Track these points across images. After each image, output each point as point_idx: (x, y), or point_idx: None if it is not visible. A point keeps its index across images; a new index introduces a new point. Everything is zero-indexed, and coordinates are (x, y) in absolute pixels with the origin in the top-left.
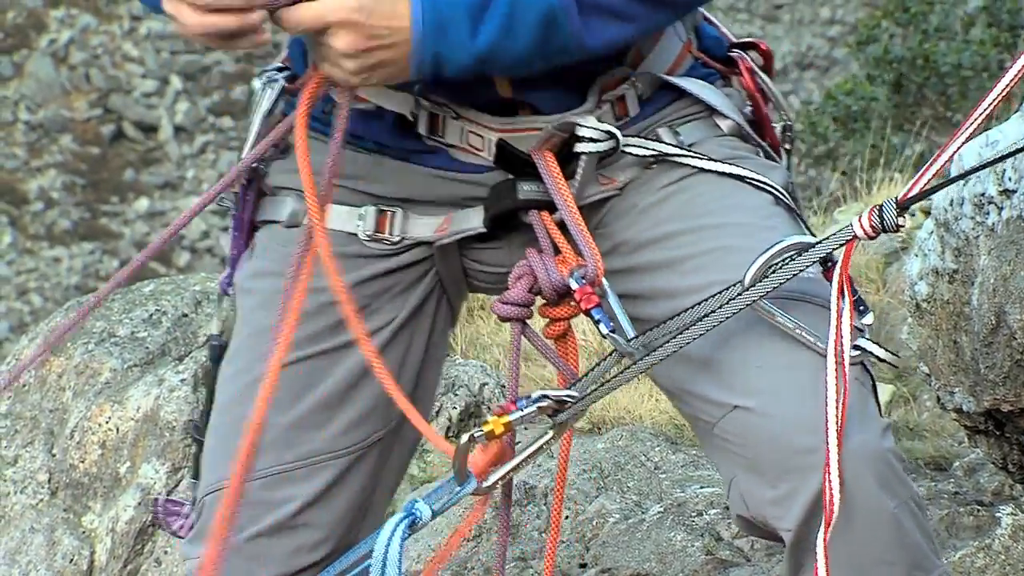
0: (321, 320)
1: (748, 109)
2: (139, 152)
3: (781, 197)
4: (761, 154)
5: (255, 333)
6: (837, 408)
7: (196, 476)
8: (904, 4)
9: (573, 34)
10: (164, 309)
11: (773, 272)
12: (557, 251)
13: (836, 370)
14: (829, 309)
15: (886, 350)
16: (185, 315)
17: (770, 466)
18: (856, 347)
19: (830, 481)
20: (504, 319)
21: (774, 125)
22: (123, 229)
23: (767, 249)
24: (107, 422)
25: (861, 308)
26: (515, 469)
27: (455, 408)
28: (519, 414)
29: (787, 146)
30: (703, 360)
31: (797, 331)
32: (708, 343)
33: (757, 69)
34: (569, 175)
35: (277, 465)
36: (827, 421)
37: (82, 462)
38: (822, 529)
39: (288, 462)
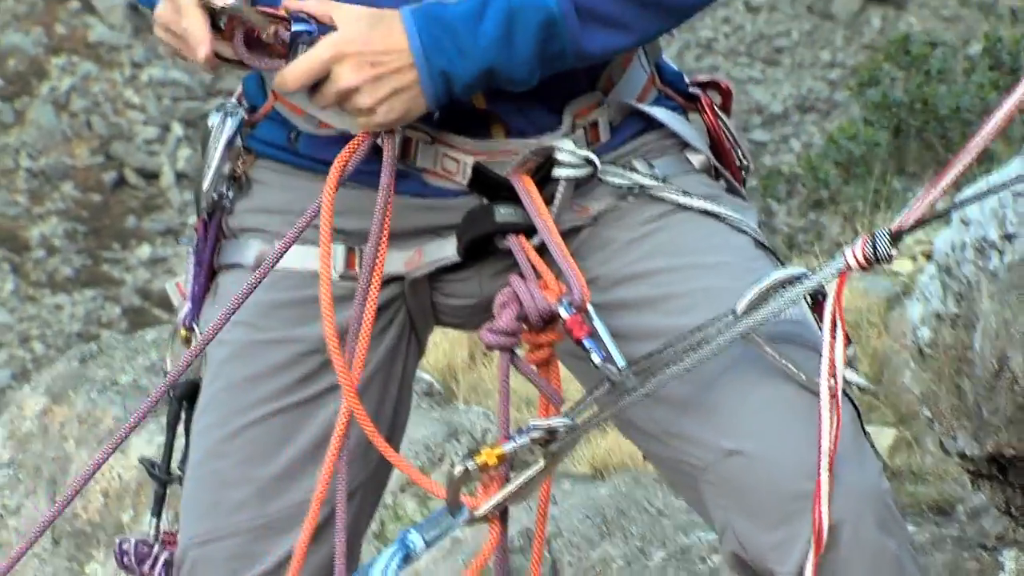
0: (296, 371)
1: (708, 145)
2: (141, 199)
3: (759, 239)
4: (727, 189)
5: (228, 387)
6: (829, 440)
7: (157, 515)
8: (905, 47)
9: (572, 40)
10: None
11: (764, 304)
12: (538, 276)
13: (830, 403)
14: (815, 351)
15: (857, 373)
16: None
17: (769, 511)
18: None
19: (820, 512)
20: (492, 348)
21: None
22: (125, 276)
23: (760, 279)
24: (110, 471)
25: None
26: (508, 499)
27: (458, 455)
28: (512, 445)
29: (742, 186)
30: (691, 401)
31: (789, 367)
32: (695, 384)
33: (717, 108)
34: (545, 200)
35: (260, 517)
36: (819, 451)
37: (85, 511)
38: (810, 558)
39: (270, 514)
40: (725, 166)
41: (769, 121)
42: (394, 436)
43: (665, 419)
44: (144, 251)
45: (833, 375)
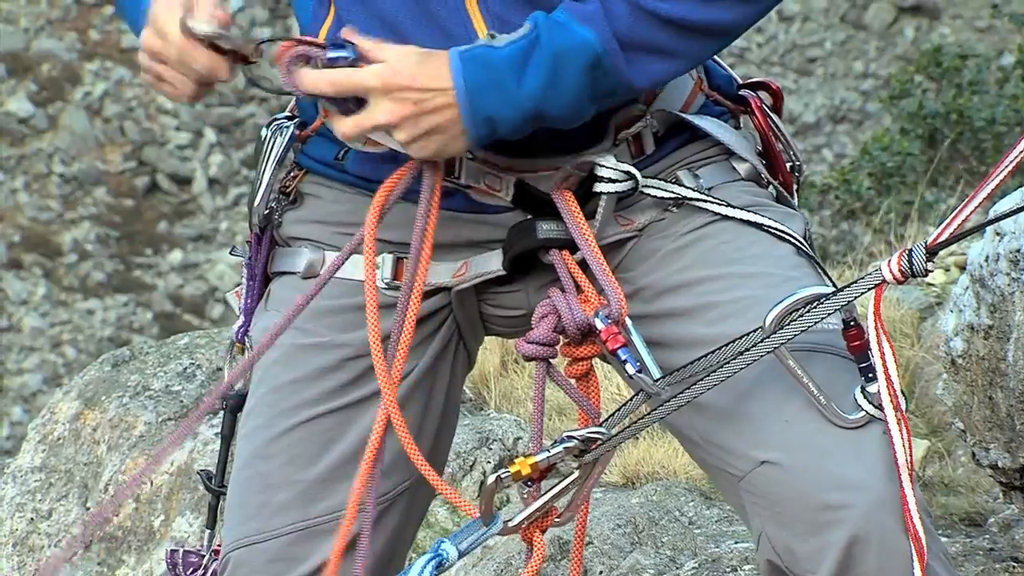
0: (341, 375)
1: (759, 149)
2: (173, 204)
3: (802, 247)
4: (775, 196)
5: (274, 389)
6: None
7: (211, 526)
8: (937, 59)
9: (620, 75)
10: (198, 362)
11: (798, 317)
12: (579, 290)
13: (895, 416)
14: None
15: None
16: (219, 368)
17: (799, 521)
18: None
19: (914, 524)
20: (529, 359)
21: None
22: (157, 281)
23: (788, 296)
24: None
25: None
26: (540, 510)
27: (489, 463)
28: (545, 455)
29: (796, 186)
30: (728, 412)
31: (810, 387)
32: (732, 394)
33: (768, 108)
34: (588, 215)
35: (302, 521)
36: (898, 468)
37: (116, 516)
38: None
39: (312, 517)
40: (775, 168)
41: (801, 131)
42: (440, 444)
43: (705, 427)
44: (176, 256)
45: (892, 389)
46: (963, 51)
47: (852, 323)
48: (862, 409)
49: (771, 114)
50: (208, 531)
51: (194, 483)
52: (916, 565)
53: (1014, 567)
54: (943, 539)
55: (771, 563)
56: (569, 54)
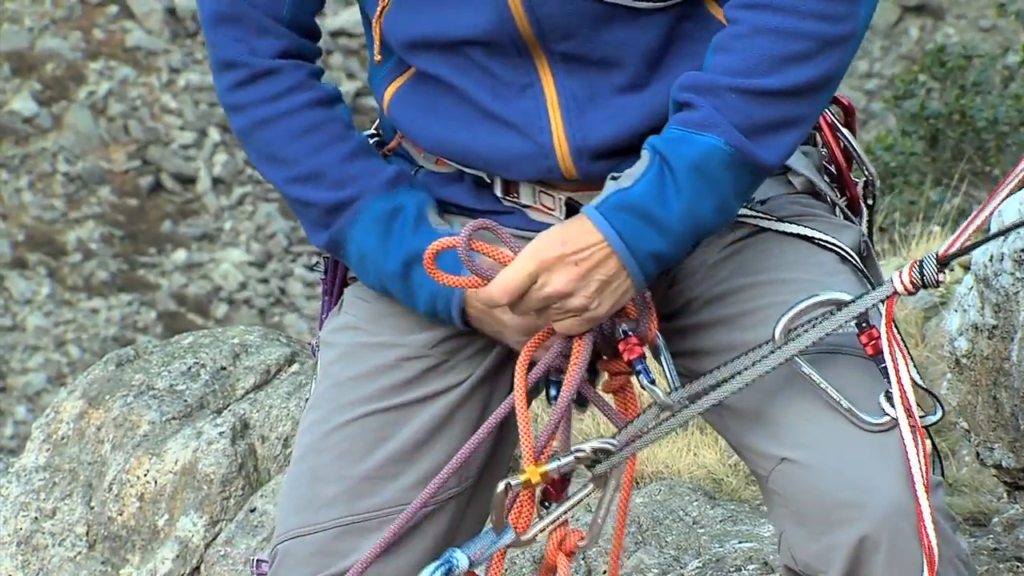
0: (398, 374)
1: (830, 166)
2: (177, 204)
3: (848, 256)
4: (837, 211)
5: (333, 385)
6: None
7: None
8: (941, 58)
9: (756, 161)
10: (203, 362)
11: (810, 327)
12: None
13: (910, 424)
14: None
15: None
16: (223, 368)
17: (814, 519)
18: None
19: (927, 533)
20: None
21: (855, 180)
22: (161, 280)
23: (795, 304)
24: (145, 475)
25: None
26: (555, 522)
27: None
28: (556, 464)
29: (869, 201)
30: (754, 413)
31: (829, 391)
32: (757, 396)
33: (839, 124)
34: None
35: (348, 516)
36: (912, 478)
37: (120, 515)
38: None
39: (358, 513)
40: (844, 184)
41: None
42: (501, 451)
43: (735, 430)
44: (180, 256)
45: (906, 400)
46: (967, 51)
47: (865, 324)
48: (886, 414)
49: (842, 129)
50: None
51: (198, 482)
52: (925, 573)
53: (1018, 567)
54: None
55: (788, 569)
56: (702, 165)
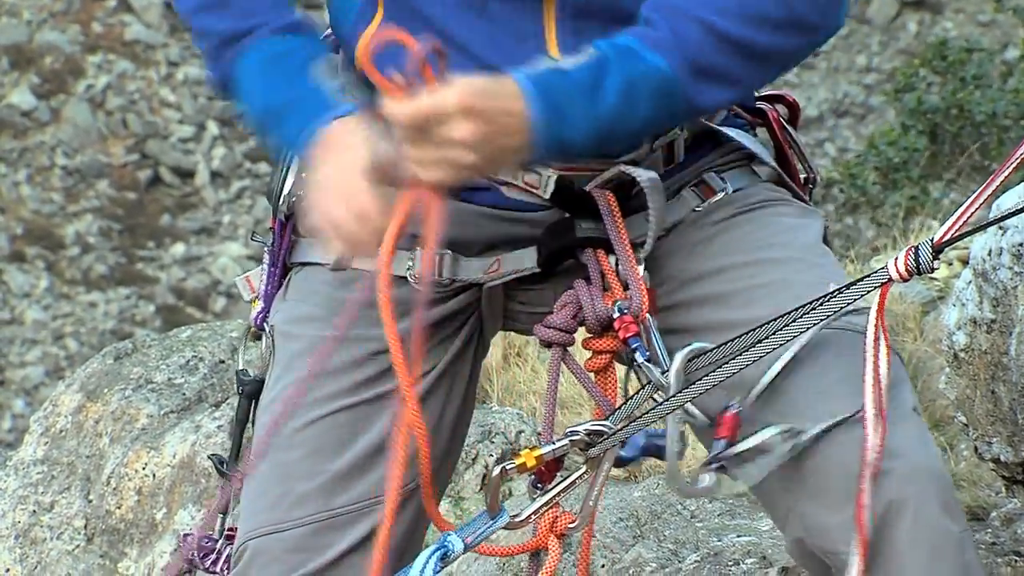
0: (368, 369)
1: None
2: (175, 197)
3: (825, 238)
4: (793, 196)
5: (298, 381)
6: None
7: (224, 511)
8: (941, 52)
9: (688, 101)
10: (201, 355)
11: (810, 311)
12: (606, 287)
13: (875, 418)
14: (862, 334)
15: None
16: (222, 361)
17: (836, 491)
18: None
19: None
20: (546, 343)
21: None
22: (159, 274)
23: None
24: (143, 468)
25: None
26: (547, 504)
27: (491, 456)
28: (550, 447)
29: (808, 197)
30: (766, 391)
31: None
32: (759, 375)
33: (784, 121)
34: (626, 213)
35: (324, 511)
36: (863, 467)
37: (118, 508)
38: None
39: (333, 508)
40: (790, 178)
41: (804, 125)
42: (457, 434)
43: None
44: (178, 249)
45: (879, 390)
46: (968, 45)
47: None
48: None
49: (787, 126)
50: (221, 516)
51: (196, 476)
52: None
53: (1016, 561)
54: None
55: (800, 544)
56: (642, 81)
